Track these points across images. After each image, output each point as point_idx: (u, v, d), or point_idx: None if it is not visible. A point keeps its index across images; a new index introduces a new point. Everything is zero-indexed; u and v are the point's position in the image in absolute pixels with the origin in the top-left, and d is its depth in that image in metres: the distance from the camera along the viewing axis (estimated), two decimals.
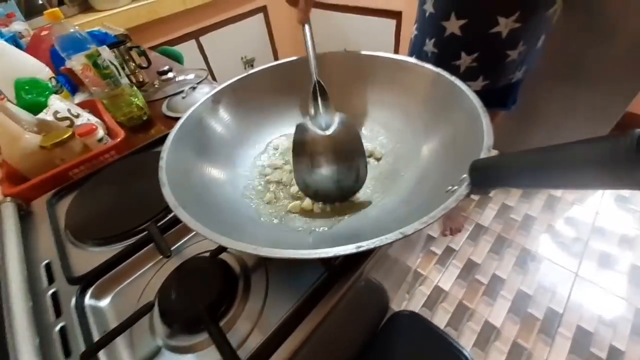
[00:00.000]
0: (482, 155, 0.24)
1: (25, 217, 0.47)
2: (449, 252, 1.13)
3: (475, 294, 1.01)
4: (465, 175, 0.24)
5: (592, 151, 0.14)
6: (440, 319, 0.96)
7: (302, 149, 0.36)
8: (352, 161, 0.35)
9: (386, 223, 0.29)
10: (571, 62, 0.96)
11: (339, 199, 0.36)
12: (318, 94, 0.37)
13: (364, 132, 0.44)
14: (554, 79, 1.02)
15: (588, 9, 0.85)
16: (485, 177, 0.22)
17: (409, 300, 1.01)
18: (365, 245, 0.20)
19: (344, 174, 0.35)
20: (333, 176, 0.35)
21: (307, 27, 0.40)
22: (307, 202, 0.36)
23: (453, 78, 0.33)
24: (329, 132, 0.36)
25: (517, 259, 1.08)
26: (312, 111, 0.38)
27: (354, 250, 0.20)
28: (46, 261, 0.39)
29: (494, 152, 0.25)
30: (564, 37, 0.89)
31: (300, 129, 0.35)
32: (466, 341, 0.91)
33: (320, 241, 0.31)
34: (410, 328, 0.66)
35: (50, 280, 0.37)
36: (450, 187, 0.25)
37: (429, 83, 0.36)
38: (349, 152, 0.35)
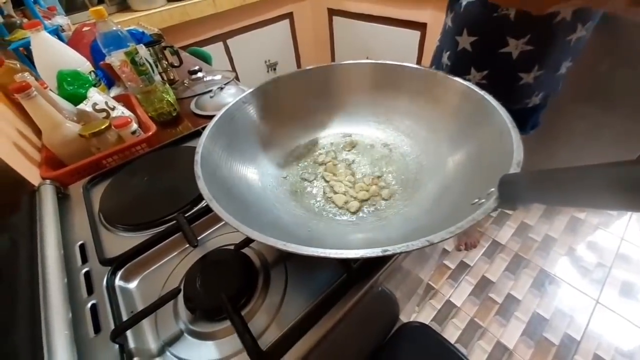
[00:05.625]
0: (512, 171, 0.24)
1: (62, 199, 0.50)
2: (462, 267, 1.11)
3: (488, 312, 0.98)
4: (493, 189, 0.24)
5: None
6: (450, 334, 0.94)
7: None
8: None
9: (409, 231, 0.30)
10: (597, 85, 0.94)
11: None
12: None
13: (386, 139, 0.45)
14: (580, 100, 0.99)
15: (617, 33, 0.83)
16: (514, 192, 0.22)
17: (419, 313, 1.00)
18: (392, 249, 0.21)
19: None
20: None
21: None
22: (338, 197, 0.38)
23: (483, 92, 0.34)
24: None
25: (534, 281, 1.04)
26: None
27: (380, 254, 0.21)
28: (81, 242, 0.42)
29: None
30: (592, 60, 0.87)
31: None
32: None
33: (340, 245, 0.32)
34: (420, 340, 0.65)
35: (84, 260, 0.40)
36: (477, 200, 0.25)
37: (458, 96, 0.36)
38: None
